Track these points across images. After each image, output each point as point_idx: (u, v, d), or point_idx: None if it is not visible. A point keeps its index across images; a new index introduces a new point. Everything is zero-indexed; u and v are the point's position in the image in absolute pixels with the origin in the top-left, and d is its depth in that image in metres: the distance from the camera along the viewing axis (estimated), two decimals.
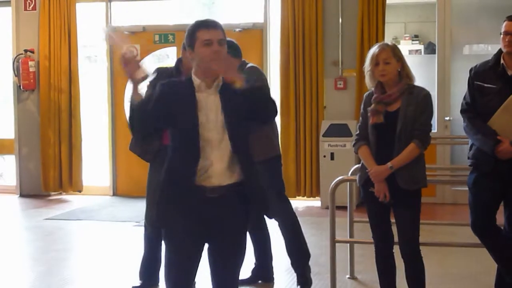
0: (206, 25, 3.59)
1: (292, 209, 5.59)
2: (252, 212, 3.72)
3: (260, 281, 5.77)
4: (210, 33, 3.57)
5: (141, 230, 5.76)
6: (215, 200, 3.58)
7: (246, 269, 5.74)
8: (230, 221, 3.64)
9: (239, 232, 3.72)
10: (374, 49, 4.49)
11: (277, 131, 5.69)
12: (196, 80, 3.62)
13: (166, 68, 5.60)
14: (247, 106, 3.61)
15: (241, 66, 5.50)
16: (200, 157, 3.55)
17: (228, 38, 5.53)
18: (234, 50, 5.51)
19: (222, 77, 3.63)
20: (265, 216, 5.66)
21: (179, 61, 5.53)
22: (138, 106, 3.61)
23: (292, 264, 5.63)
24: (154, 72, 5.54)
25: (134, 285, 5.62)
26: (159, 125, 3.75)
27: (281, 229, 5.58)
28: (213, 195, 3.58)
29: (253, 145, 5.37)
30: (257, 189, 3.73)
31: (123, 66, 3.64)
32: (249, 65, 5.57)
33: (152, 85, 5.49)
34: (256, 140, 5.40)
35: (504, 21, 4.64)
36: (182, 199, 3.59)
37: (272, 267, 5.79)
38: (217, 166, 3.57)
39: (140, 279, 5.65)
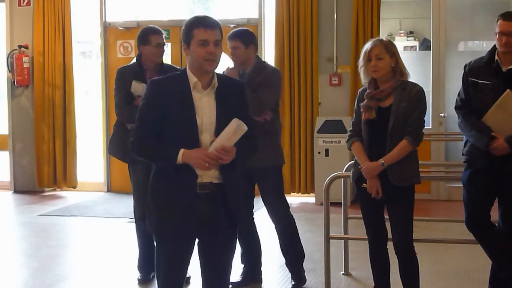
0: (204, 24, 3.54)
1: (289, 211, 5.57)
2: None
3: (250, 283, 5.74)
4: (207, 33, 3.52)
5: (135, 226, 5.78)
6: (205, 196, 3.58)
7: (235, 273, 5.72)
8: (220, 218, 3.64)
9: (229, 229, 3.71)
10: (367, 45, 4.48)
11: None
12: (192, 77, 3.59)
13: (128, 66, 5.64)
14: (241, 113, 3.61)
15: (260, 66, 5.41)
16: None
17: (241, 28, 5.51)
18: (245, 38, 5.36)
19: (216, 78, 3.61)
20: (253, 216, 5.69)
21: (139, 57, 5.55)
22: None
23: (287, 264, 5.63)
24: (117, 73, 5.58)
25: (138, 278, 5.77)
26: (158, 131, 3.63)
27: (277, 229, 5.57)
28: (203, 191, 3.58)
29: (267, 151, 5.37)
30: (233, 196, 3.67)
31: (209, 162, 3.48)
32: (271, 68, 5.56)
33: (123, 92, 5.51)
34: (273, 147, 5.43)
35: (498, 20, 4.59)
36: (174, 197, 3.58)
37: (260, 269, 5.77)
38: None
39: (140, 272, 5.78)
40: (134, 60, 5.77)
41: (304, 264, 5.69)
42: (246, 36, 5.34)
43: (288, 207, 5.57)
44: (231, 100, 3.61)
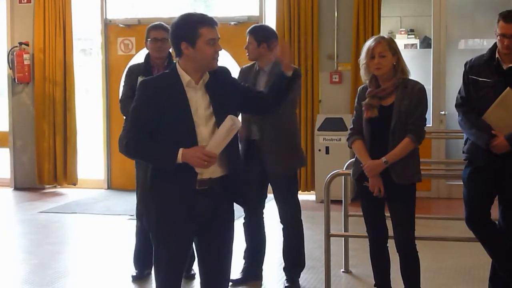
0: (210, 23, 3.57)
1: (300, 217, 5.50)
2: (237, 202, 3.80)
3: (250, 281, 5.72)
4: (214, 31, 3.57)
5: (136, 223, 5.79)
6: (204, 191, 3.59)
7: (236, 270, 5.72)
8: (218, 212, 3.65)
9: (227, 223, 3.73)
10: (370, 42, 4.47)
11: None
12: (185, 76, 3.59)
13: (138, 64, 5.62)
14: (239, 98, 3.70)
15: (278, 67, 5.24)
16: None
17: (260, 24, 5.41)
18: (258, 35, 5.24)
19: (208, 72, 3.63)
20: (263, 215, 5.67)
21: (147, 53, 5.51)
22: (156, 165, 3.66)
23: (285, 268, 5.56)
24: (126, 70, 5.57)
25: (132, 274, 5.75)
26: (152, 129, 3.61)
27: (284, 231, 5.51)
28: (203, 187, 3.58)
29: (286, 158, 5.28)
30: (240, 182, 3.74)
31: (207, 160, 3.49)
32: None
33: (128, 86, 5.50)
34: (291, 153, 5.34)
35: (499, 21, 4.57)
36: (174, 196, 3.58)
37: (261, 267, 5.76)
38: None
39: (136, 269, 5.78)
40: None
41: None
42: (260, 34, 5.26)
43: (300, 210, 5.49)
44: (222, 86, 3.65)
